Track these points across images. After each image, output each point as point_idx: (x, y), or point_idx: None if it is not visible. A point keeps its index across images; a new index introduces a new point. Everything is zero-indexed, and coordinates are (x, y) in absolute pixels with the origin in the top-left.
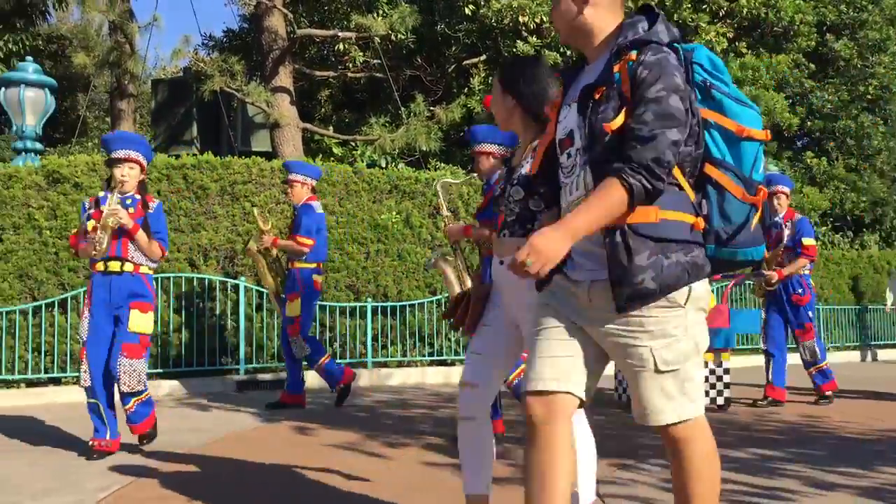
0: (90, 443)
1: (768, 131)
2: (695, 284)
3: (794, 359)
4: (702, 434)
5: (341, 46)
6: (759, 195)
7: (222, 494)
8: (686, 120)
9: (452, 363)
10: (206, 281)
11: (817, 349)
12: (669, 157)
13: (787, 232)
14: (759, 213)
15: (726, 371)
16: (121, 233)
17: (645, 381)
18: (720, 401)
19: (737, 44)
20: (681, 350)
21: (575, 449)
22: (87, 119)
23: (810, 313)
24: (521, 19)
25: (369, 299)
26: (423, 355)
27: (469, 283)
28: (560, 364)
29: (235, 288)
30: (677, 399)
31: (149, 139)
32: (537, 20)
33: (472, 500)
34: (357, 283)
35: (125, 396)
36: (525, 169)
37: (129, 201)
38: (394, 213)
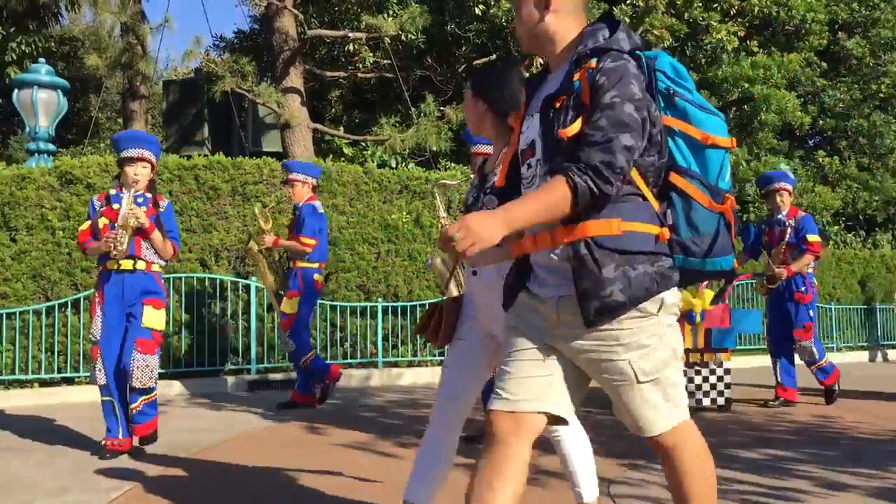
0: (103, 442)
1: (734, 139)
2: (666, 294)
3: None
4: (690, 436)
5: (352, 47)
6: (727, 203)
7: (233, 494)
8: (641, 128)
9: None
10: (218, 281)
11: (815, 350)
12: (622, 163)
13: (790, 229)
14: (731, 223)
15: (727, 371)
16: (135, 231)
17: (628, 395)
18: (720, 401)
19: (748, 42)
20: (658, 358)
21: (526, 472)
22: (99, 120)
23: (811, 312)
24: None
25: (380, 299)
26: (434, 355)
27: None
28: (535, 384)
29: (247, 288)
30: (663, 407)
31: (160, 140)
32: None
33: None
34: (367, 283)
35: (135, 393)
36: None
37: (140, 200)
38: (404, 213)
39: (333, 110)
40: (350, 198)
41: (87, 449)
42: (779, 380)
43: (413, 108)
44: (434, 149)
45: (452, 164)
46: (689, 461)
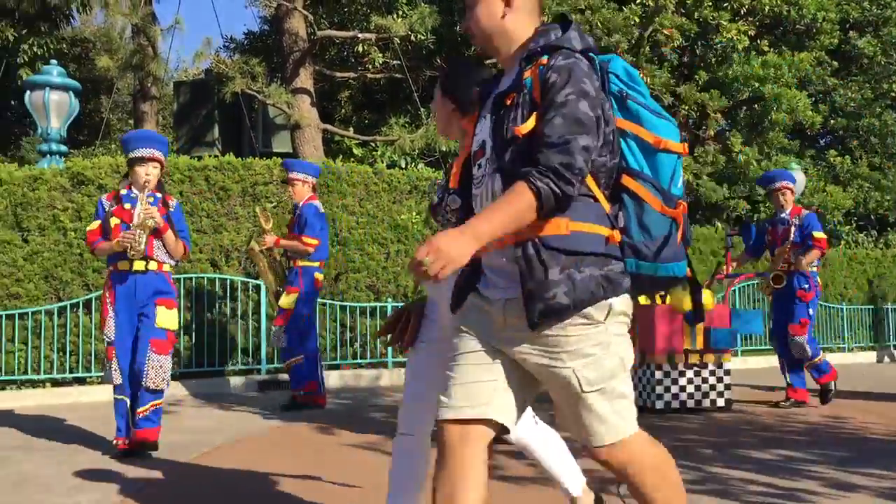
0: (114, 441)
1: (686, 145)
2: (615, 300)
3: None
4: (642, 449)
5: (361, 48)
6: (679, 209)
7: (244, 493)
8: (596, 126)
9: None
10: (228, 281)
11: (807, 346)
12: (581, 164)
13: (794, 228)
14: (681, 229)
15: (727, 372)
16: (150, 231)
17: (573, 404)
18: (721, 402)
19: (758, 42)
20: (605, 368)
21: (485, 476)
22: (110, 121)
23: (810, 310)
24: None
25: (389, 299)
26: None
27: None
28: (479, 390)
29: (257, 288)
30: (610, 419)
31: (171, 141)
32: None
33: None
34: (377, 283)
35: (146, 395)
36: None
37: (151, 200)
38: (414, 213)
39: (343, 111)
40: (360, 198)
41: (98, 448)
42: (788, 381)
43: (422, 109)
44: (443, 149)
45: None
46: (650, 475)
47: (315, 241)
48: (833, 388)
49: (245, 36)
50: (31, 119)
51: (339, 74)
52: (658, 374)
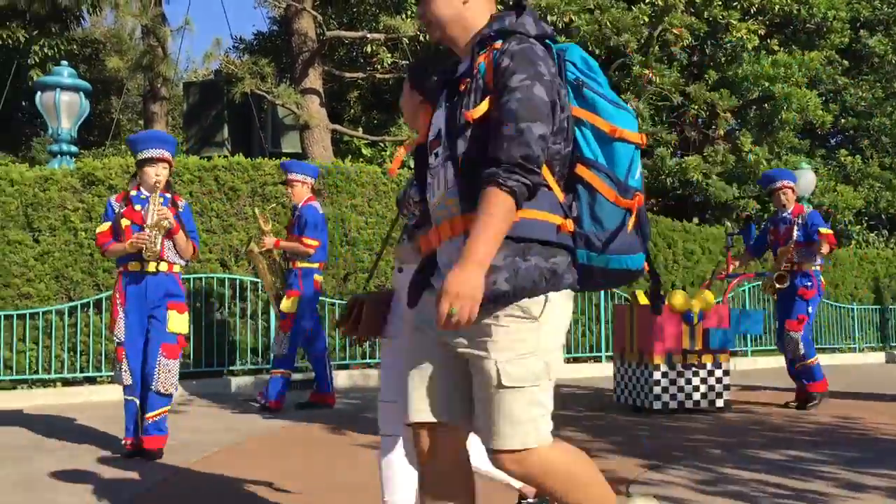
0: (123, 441)
1: (644, 136)
2: (554, 298)
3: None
4: (549, 461)
5: (370, 48)
6: (635, 200)
7: (253, 492)
8: (551, 112)
9: None
10: (238, 281)
11: (801, 345)
12: (538, 153)
13: (797, 227)
14: (633, 219)
15: (726, 373)
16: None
17: (489, 399)
18: (719, 403)
19: (769, 41)
20: (529, 368)
21: (469, 471)
22: (120, 122)
23: (810, 308)
24: (549, 18)
25: None
26: None
27: None
28: (439, 390)
29: None
30: (522, 425)
31: (181, 141)
32: (566, 20)
33: None
34: (386, 283)
35: (155, 399)
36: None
37: (161, 200)
38: None
39: (352, 111)
40: (369, 198)
41: (109, 448)
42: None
43: None
44: None
45: None
46: (562, 484)
47: (315, 243)
48: (819, 399)
49: (254, 36)
50: (41, 120)
51: (347, 75)
52: (656, 375)
